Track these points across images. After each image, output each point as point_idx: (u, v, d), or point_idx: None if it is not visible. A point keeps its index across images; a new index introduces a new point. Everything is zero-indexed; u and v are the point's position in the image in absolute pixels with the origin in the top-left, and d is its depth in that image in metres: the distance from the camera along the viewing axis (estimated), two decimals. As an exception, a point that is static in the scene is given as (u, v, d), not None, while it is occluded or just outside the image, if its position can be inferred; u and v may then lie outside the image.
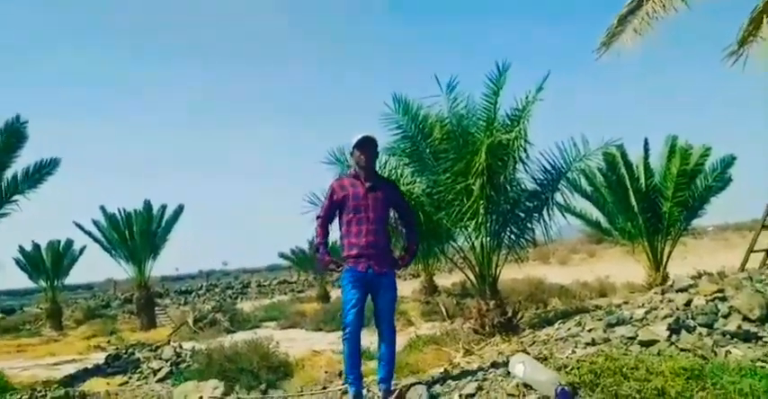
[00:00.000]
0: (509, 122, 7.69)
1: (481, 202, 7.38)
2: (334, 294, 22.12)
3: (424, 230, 7.81)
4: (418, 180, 8.03)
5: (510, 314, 8.25)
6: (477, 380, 4.56)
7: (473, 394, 4.33)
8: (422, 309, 16.54)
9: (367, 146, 4.67)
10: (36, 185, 10.12)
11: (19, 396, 7.73)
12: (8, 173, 10.23)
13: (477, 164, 7.11)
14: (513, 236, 8.27)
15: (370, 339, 5.10)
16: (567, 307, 11.37)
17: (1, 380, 8.18)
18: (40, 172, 10.14)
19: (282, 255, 31.35)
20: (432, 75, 7.67)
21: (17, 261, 23.19)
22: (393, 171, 7.89)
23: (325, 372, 7.44)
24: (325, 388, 5.85)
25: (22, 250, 23.25)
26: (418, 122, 7.89)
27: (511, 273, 10.49)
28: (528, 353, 4.97)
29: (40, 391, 8.70)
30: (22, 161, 10.44)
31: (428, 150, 7.95)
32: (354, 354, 4.52)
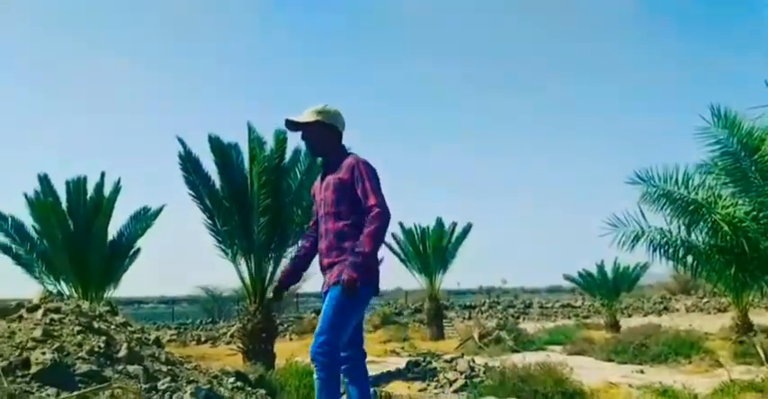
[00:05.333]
0: None
1: (829, 228, 6.20)
2: (624, 323, 20.68)
3: (747, 258, 6.84)
4: (741, 201, 7.08)
5: None
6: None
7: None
8: (734, 349, 14.55)
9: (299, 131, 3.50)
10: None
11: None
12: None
13: (824, 183, 6.00)
14: None
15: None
16: None
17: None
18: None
19: (568, 277, 30.26)
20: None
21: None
22: (709, 191, 7.09)
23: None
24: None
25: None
26: (741, 136, 6.97)
27: None
28: None
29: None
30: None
31: (754, 167, 6.96)
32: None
